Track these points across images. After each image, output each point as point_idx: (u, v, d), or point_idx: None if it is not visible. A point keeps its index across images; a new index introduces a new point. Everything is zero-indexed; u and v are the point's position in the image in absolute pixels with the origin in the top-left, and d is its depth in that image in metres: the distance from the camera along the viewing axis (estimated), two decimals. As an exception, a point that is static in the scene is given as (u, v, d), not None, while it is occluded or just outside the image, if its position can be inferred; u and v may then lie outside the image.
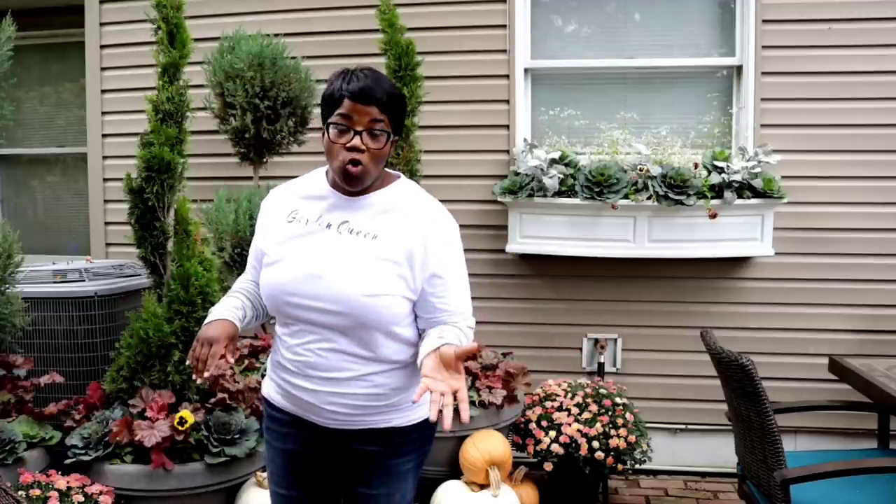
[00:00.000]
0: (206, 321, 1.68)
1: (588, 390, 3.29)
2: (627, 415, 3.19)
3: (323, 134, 1.65)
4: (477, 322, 3.80)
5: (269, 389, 1.83)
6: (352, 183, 1.63)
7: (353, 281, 1.59)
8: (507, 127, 3.76)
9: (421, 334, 1.68)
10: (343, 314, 1.60)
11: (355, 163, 1.59)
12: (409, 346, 1.69)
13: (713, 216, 3.35)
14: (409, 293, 1.64)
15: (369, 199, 1.68)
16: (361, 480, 1.77)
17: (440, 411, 1.40)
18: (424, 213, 1.69)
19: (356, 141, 1.58)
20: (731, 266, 3.64)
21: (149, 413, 2.65)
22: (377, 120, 1.59)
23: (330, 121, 1.61)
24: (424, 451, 1.81)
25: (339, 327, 1.62)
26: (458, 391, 1.44)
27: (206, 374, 1.59)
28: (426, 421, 1.72)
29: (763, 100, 3.58)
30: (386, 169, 1.72)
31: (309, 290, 1.62)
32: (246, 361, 3.22)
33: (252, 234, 2.04)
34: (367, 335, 1.62)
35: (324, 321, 1.62)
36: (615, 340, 3.75)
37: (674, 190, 3.32)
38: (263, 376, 1.91)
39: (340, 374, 1.64)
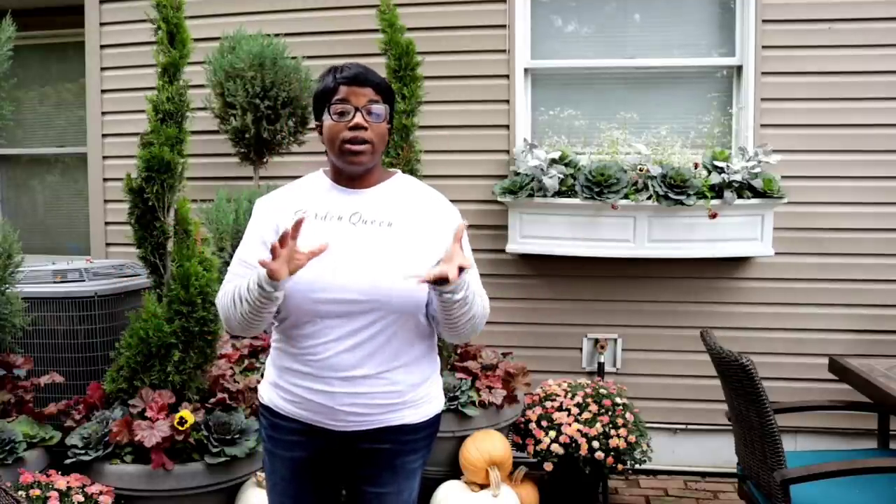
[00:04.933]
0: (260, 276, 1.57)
1: (588, 390, 3.29)
2: (627, 415, 3.19)
3: (318, 128, 1.72)
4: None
5: (272, 397, 1.77)
6: (357, 161, 1.67)
7: (380, 268, 1.62)
8: (507, 127, 3.76)
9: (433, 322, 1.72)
10: (372, 301, 1.61)
11: (360, 141, 1.65)
12: (423, 338, 1.72)
13: (713, 216, 3.35)
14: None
15: (375, 190, 1.73)
16: (370, 479, 1.75)
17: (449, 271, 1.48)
18: (432, 201, 1.76)
19: (358, 118, 1.64)
20: (731, 266, 3.64)
21: (149, 413, 2.64)
22: (374, 100, 1.67)
23: (330, 105, 1.67)
24: (431, 449, 1.83)
25: (363, 318, 1.62)
26: (462, 264, 1.51)
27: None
28: (435, 418, 1.79)
29: (763, 100, 3.58)
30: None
31: (336, 283, 1.61)
32: (246, 361, 3.22)
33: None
34: (388, 324, 1.63)
35: (350, 311, 1.62)
36: (615, 340, 3.75)
37: (674, 190, 3.32)
38: (260, 380, 1.88)
39: (358, 371, 1.64)
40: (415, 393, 1.72)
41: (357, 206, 1.70)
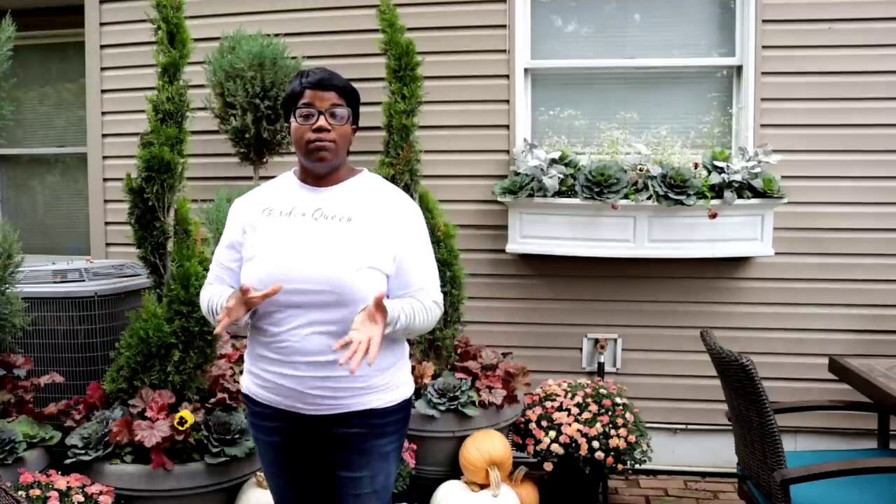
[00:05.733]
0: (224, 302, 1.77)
1: (588, 390, 3.29)
2: (627, 415, 3.19)
3: (287, 130, 1.86)
4: (477, 322, 3.81)
5: (248, 385, 1.90)
6: (321, 161, 1.79)
7: (336, 260, 1.73)
8: (507, 127, 3.76)
9: None
10: (330, 292, 1.72)
11: (323, 141, 1.77)
12: None
13: (713, 216, 3.35)
14: (386, 269, 1.78)
15: (338, 187, 1.86)
16: (344, 464, 1.84)
17: (353, 354, 1.57)
18: (391, 199, 1.86)
19: (321, 121, 1.77)
20: (731, 266, 3.64)
21: (149, 413, 2.64)
22: (337, 104, 1.79)
23: (296, 108, 1.80)
24: (403, 434, 1.92)
25: (325, 308, 1.73)
26: (372, 338, 1.60)
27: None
28: (404, 403, 1.89)
29: (763, 100, 3.58)
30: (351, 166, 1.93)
31: (297, 274, 1.73)
32: (246, 361, 3.22)
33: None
34: (349, 313, 1.71)
35: (311, 302, 1.73)
36: (615, 340, 3.75)
37: (674, 190, 3.32)
38: None
39: (323, 356, 1.73)
40: (379, 378, 1.81)
41: (320, 203, 1.82)
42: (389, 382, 1.83)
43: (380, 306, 1.64)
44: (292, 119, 1.81)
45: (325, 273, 1.72)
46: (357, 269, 1.72)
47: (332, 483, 1.87)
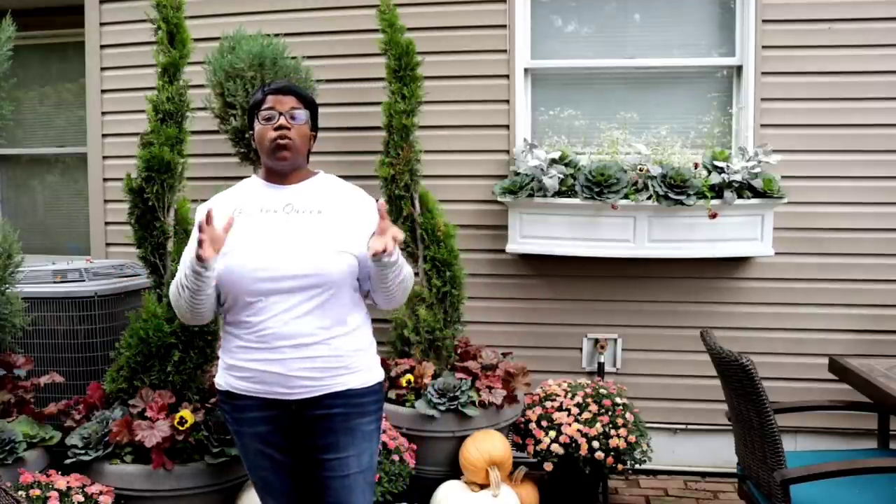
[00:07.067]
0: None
1: (588, 390, 3.29)
2: (627, 415, 3.19)
3: (251, 136, 2.00)
4: (477, 322, 3.82)
5: (228, 381, 1.96)
6: (283, 158, 1.93)
7: (316, 246, 1.87)
8: (507, 127, 3.76)
9: (365, 296, 2.02)
10: (313, 276, 1.85)
11: (284, 139, 1.91)
12: (359, 310, 1.99)
13: (713, 216, 3.35)
14: (358, 253, 1.91)
15: (302, 185, 2.01)
16: (330, 447, 1.92)
17: (388, 242, 1.76)
18: (351, 193, 2.04)
19: (283, 120, 1.92)
20: (731, 266, 3.64)
21: (149, 413, 2.65)
22: (296, 107, 1.95)
23: (258, 113, 1.95)
24: (381, 416, 2.04)
25: (305, 292, 1.85)
26: (396, 235, 1.78)
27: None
28: (378, 385, 2.02)
29: (763, 100, 3.58)
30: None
31: (277, 263, 1.85)
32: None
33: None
34: (327, 296, 1.87)
35: (293, 287, 1.85)
36: (615, 340, 3.75)
37: (674, 190, 3.32)
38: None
39: (305, 339, 1.86)
40: (355, 359, 1.94)
41: (289, 199, 1.96)
42: (363, 363, 1.97)
43: (383, 214, 1.79)
44: (256, 123, 1.95)
45: (307, 259, 1.85)
46: (336, 253, 1.87)
47: (317, 471, 1.93)
